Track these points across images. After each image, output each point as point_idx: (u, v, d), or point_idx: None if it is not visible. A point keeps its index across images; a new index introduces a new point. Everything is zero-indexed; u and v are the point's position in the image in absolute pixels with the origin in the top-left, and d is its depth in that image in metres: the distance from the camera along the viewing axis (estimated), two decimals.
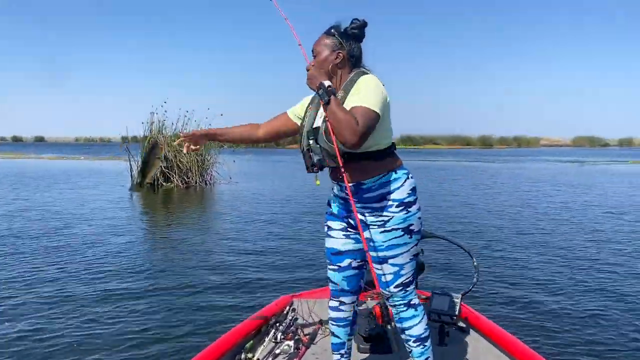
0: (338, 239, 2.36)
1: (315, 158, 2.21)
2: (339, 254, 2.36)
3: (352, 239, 2.34)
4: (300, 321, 3.07)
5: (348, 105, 2.06)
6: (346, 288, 2.40)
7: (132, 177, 15.03)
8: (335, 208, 2.36)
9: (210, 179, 15.83)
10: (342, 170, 2.11)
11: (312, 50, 2.25)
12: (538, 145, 72.11)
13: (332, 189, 2.35)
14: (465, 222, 8.67)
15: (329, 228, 2.39)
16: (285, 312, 3.15)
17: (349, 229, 2.34)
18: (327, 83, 2.07)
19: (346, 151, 2.09)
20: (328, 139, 2.08)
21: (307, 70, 2.17)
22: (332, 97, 2.03)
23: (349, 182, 2.17)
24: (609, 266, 5.73)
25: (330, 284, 2.43)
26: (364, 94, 2.06)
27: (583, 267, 5.70)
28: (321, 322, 3.04)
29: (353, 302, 2.44)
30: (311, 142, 2.22)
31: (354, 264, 2.37)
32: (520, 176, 19.74)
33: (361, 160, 2.16)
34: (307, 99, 2.40)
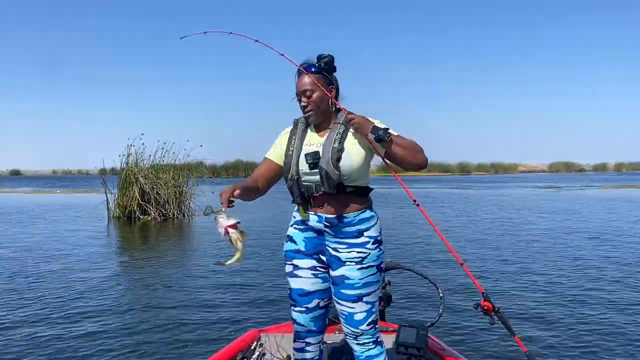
0: (306, 279, 2.29)
1: (306, 186, 2.20)
2: (307, 294, 2.29)
3: (321, 278, 2.29)
4: (267, 356, 3.02)
5: (360, 140, 2.19)
6: (313, 328, 2.34)
7: (108, 210, 14.87)
8: (302, 244, 2.29)
9: (189, 211, 15.71)
10: (328, 197, 2.16)
11: (304, 92, 2.23)
12: (516, 171, 73.21)
13: (305, 222, 2.27)
14: (444, 250, 8.71)
15: (295, 267, 2.31)
16: (252, 347, 3.08)
17: (318, 267, 2.29)
18: (378, 123, 2.16)
19: (340, 181, 2.15)
20: (335, 165, 2.14)
21: (351, 120, 2.16)
22: (390, 130, 2.14)
23: (332, 214, 2.20)
24: (588, 294, 5.76)
25: (295, 325, 2.36)
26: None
27: (559, 294, 5.75)
28: (289, 358, 2.97)
29: (319, 342, 2.39)
30: (303, 168, 2.20)
31: (322, 303, 2.33)
32: (500, 203, 19.94)
33: (349, 194, 2.20)
34: (280, 139, 2.38)
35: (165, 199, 14.91)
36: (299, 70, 2.27)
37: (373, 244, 2.22)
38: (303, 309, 2.30)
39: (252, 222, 13.66)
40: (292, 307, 2.33)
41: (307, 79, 2.23)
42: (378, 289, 2.26)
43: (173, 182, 15.09)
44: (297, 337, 2.37)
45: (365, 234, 2.21)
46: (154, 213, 14.58)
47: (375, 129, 2.11)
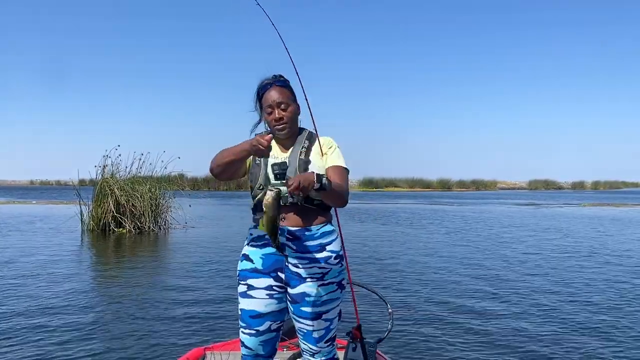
0: (260, 300, 2.20)
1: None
2: (259, 316, 2.20)
3: (276, 299, 2.21)
4: None
5: (325, 161, 2.23)
6: (261, 353, 2.24)
7: (82, 222, 14.57)
8: (259, 262, 2.21)
9: (165, 223, 15.47)
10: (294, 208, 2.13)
11: (279, 104, 2.21)
12: (495, 188, 73.88)
13: (263, 236, 2.18)
14: (403, 268, 8.68)
15: (250, 287, 2.21)
16: None
17: (274, 287, 2.20)
18: (317, 174, 2.01)
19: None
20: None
21: (293, 185, 1.94)
22: (331, 183, 2.06)
23: (295, 226, 2.17)
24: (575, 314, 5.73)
25: (243, 348, 2.25)
26: (337, 155, 2.25)
27: (524, 310, 5.75)
28: None
29: None
30: (270, 178, 2.19)
31: (274, 326, 2.24)
32: (486, 220, 20.04)
33: (315, 206, 2.19)
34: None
35: (141, 212, 14.64)
36: (268, 83, 2.26)
37: (335, 259, 2.20)
38: (253, 331, 2.21)
39: (209, 236, 13.51)
40: (242, 330, 2.24)
41: (282, 92, 2.24)
42: (338, 305, 2.24)
43: (150, 195, 14.85)
44: None
45: (328, 248, 2.19)
46: (129, 226, 14.31)
47: (319, 178, 2.00)
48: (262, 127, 2.37)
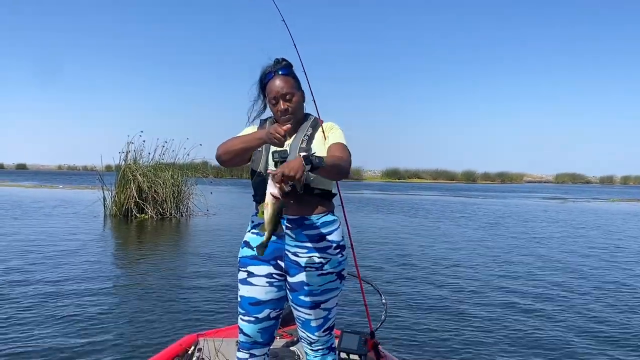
0: (260, 287, 2.19)
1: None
2: (258, 304, 2.19)
3: (276, 286, 2.21)
4: None
5: (328, 146, 2.17)
6: (259, 340, 2.25)
7: (105, 207, 14.69)
8: (260, 250, 2.17)
9: (187, 210, 15.51)
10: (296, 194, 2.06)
11: (284, 95, 2.17)
12: (522, 181, 72.59)
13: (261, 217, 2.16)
14: (406, 261, 8.48)
15: (250, 274, 2.21)
16: (189, 352, 2.98)
17: (274, 274, 2.20)
18: (304, 156, 1.95)
19: (307, 182, 2.08)
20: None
21: (282, 175, 1.88)
22: (324, 158, 2.00)
23: (295, 215, 2.14)
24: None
25: (241, 335, 2.25)
26: (339, 134, 2.21)
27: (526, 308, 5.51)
28: None
29: (264, 354, 2.30)
30: (271, 166, 2.17)
31: (273, 314, 2.23)
32: (513, 214, 19.66)
33: (314, 196, 2.14)
34: (249, 129, 2.31)
35: (163, 198, 14.69)
36: (271, 72, 2.21)
37: (335, 248, 2.18)
38: (252, 318, 2.21)
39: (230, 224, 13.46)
40: (241, 317, 2.24)
41: (287, 82, 2.19)
42: (337, 296, 2.24)
43: (172, 181, 14.89)
44: (242, 347, 2.28)
45: (328, 237, 2.17)
46: (151, 212, 14.38)
47: (307, 160, 1.93)
48: (264, 116, 2.36)
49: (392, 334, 4.49)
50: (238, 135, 2.24)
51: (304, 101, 2.28)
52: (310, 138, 2.21)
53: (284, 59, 2.25)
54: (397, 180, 58.83)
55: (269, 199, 1.92)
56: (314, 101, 2.41)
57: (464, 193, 36.65)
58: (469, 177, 69.06)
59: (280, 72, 2.20)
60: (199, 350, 3.01)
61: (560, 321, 5.10)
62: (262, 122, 2.32)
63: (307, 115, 2.31)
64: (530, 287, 6.57)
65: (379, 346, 2.92)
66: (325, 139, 2.22)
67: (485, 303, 5.71)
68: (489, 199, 29.24)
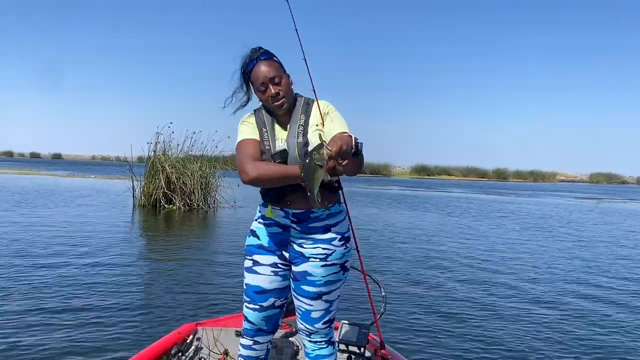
0: (264, 276, 2.18)
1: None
2: (263, 292, 2.19)
3: (281, 276, 2.19)
4: (204, 351, 2.91)
5: (326, 130, 2.06)
6: (264, 328, 2.26)
7: (134, 197, 14.81)
8: (265, 240, 2.19)
9: (214, 202, 15.53)
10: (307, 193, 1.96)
11: (272, 79, 2.10)
12: (554, 180, 70.84)
13: (270, 216, 2.19)
14: (411, 257, 8.22)
15: (255, 263, 2.20)
16: (188, 340, 2.94)
17: (279, 264, 2.18)
18: (355, 138, 1.91)
19: None
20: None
21: (340, 149, 1.77)
22: (361, 144, 1.96)
23: (300, 209, 2.12)
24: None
25: (245, 322, 2.26)
26: (342, 121, 2.09)
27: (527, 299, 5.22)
28: (226, 353, 2.87)
29: (267, 341, 2.31)
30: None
31: (277, 303, 2.23)
32: (552, 215, 19.13)
33: (322, 188, 2.01)
34: (248, 125, 2.21)
35: (191, 189, 14.73)
36: (253, 59, 2.13)
37: (340, 240, 2.15)
38: (257, 306, 2.21)
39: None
40: (246, 304, 2.24)
41: (271, 65, 2.12)
42: (339, 288, 2.20)
43: (200, 173, 14.91)
44: (246, 334, 2.28)
45: (333, 229, 2.14)
46: (178, 203, 14.44)
47: (355, 144, 1.88)
48: (249, 108, 2.26)
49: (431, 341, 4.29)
50: (243, 138, 2.15)
51: (292, 84, 2.19)
52: (305, 125, 2.13)
53: (260, 47, 2.17)
54: (427, 177, 58.18)
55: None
56: (311, 79, 2.30)
57: (496, 191, 35.95)
58: (500, 175, 67.80)
59: (262, 58, 2.12)
60: (198, 339, 2.99)
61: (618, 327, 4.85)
62: (256, 112, 2.25)
63: (296, 97, 2.22)
64: (601, 291, 6.28)
65: (386, 345, 2.89)
66: (322, 120, 2.12)
67: (563, 310, 5.47)
68: (522, 197, 28.58)
